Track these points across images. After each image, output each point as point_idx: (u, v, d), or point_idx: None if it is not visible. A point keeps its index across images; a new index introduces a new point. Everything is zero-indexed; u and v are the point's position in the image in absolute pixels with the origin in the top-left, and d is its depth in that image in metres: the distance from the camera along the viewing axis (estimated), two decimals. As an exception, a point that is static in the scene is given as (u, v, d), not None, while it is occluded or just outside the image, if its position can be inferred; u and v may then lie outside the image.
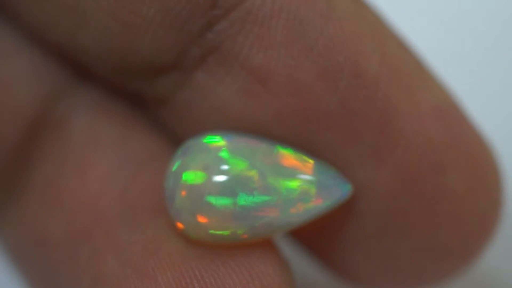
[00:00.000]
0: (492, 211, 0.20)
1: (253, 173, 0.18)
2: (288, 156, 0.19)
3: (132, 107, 0.21)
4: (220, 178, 0.18)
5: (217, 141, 0.18)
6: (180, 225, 0.18)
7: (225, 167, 0.18)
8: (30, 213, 0.21)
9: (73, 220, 0.20)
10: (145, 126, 0.21)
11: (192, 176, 0.18)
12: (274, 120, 0.19)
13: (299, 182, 0.18)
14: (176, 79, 0.19)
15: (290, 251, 0.20)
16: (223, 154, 0.18)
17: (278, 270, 0.18)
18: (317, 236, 0.20)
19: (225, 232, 0.18)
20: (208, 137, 0.18)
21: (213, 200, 0.18)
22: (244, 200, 0.18)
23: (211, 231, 0.18)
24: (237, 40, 0.18)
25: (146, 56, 0.19)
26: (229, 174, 0.18)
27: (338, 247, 0.20)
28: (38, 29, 0.20)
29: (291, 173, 0.18)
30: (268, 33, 0.18)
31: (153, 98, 0.20)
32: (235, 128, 0.19)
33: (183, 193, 0.18)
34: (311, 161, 0.18)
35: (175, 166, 0.18)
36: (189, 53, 0.19)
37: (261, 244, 0.19)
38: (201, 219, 0.18)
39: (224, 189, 0.18)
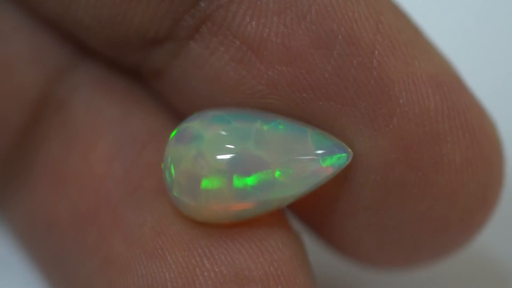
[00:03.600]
0: (492, 183, 0.19)
1: (248, 154, 0.18)
2: (285, 129, 0.18)
3: (132, 84, 0.21)
4: (216, 161, 0.18)
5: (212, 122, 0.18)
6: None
7: (216, 154, 0.18)
8: (37, 195, 0.21)
9: (78, 202, 0.20)
10: (145, 104, 0.21)
11: (185, 165, 0.18)
12: (269, 89, 0.18)
13: (298, 156, 0.18)
14: (170, 50, 0.19)
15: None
16: (215, 138, 0.18)
17: (287, 243, 0.18)
18: (314, 209, 0.20)
19: (227, 212, 0.18)
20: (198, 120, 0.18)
21: (209, 185, 0.18)
22: (240, 181, 0.18)
23: (213, 214, 0.18)
24: (230, 9, 0.18)
25: (139, 26, 0.19)
26: (223, 158, 0.18)
27: (335, 219, 0.20)
28: (32, 1, 0.20)
29: (289, 149, 0.18)
30: (260, 1, 0.18)
31: (148, 71, 0.20)
32: (231, 98, 0.19)
33: (180, 182, 0.18)
34: (309, 130, 0.18)
35: (169, 157, 0.18)
36: (182, 23, 0.19)
37: (269, 218, 0.19)
38: (200, 205, 0.18)
39: (220, 172, 0.18)
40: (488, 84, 0.25)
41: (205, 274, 0.18)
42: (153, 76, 0.20)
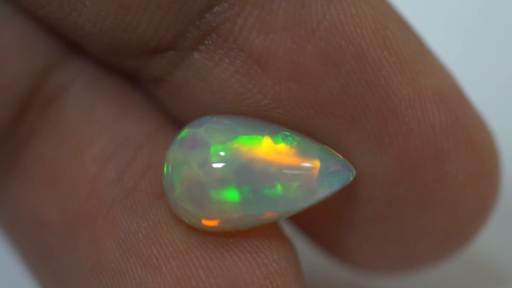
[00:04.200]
0: (490, 196, 0.20)
1: (254, 165, 0.18)
2: (290, 146, 0.18)
3: (127, 84, 0.20)
4: (220, 173, 0.18)
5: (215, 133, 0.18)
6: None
7: (222, 163, 0.18)
8: (26, 192, 0.20)
9: (69, 203, 0.19)
10: (140, 105, 0.20)
11: (190, 172, 0.18)
12: (274, 104, 0.18)
13: (302, 170, 0.18)
14: (172, 59, 0.19)
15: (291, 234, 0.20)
16: (222, 148, 0.18)
17: (282, 254, 0.18)
18: (316, 220, 0.20)
19: (226, 222, 0.18)
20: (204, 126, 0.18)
21: (214, 195, 0.18)
22: (246, 193, 0.18)
23: (212, 223, 0.18)
24: (236, 22, 0.18)
25: (142, 36, 0.18)
26: (228, 168, 0.18)
27: (337, 231, 0.20)
28: (30, 3, 0.19)
29: (294, 163, 0.18)
30: (269, 16, 0.18)
31: (148, 77, 0.19)
32: (234, 109, 0.19)
33: (181, 188, 0.18)
34: (314, 146, 0.18)
35: (171, 162, 0.18)
36: (186, 34, 0.18)
37: (264, 228, 0.18)
38: (199, 213, 0.18)
39: (225, 184, 0.17)
40: (488, 85, 0.25)
41: (201, 285, 0.17)
42: (152, 82, 0.20)
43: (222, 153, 0.18)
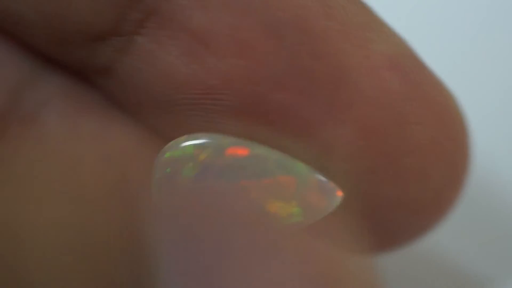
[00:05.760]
0: (461, 161, 0.19)
1: None
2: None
3: (101, 97, 0.20)
4: None
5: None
6: None
7: None
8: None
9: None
10: (120, 116, 0.20)
11: None
12: (221, 84, 0.18)
13: (284, 205, 0.18)
14: (116, 46, 0.19)
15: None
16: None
17: None
18: None
19: None
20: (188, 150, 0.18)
21: None
22: None
23: None
24: (175, 2, 0.18)
25: (83, 21, 0.18)
26: None
27: None
28: None
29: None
30: None
31: (96, 68, 0.19)
32: (184, 95, 0.18)
33: None
34: (293, 178, 0.18)
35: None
36: (126, 17, 0.18)
37: None
38: None
39: None
40: (488, 85, 0.25)
41: None
42: (101, 74, 0.19)
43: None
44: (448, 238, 0.22)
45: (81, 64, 0.19)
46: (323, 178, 0.18)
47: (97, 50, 0.19)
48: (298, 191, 0.18)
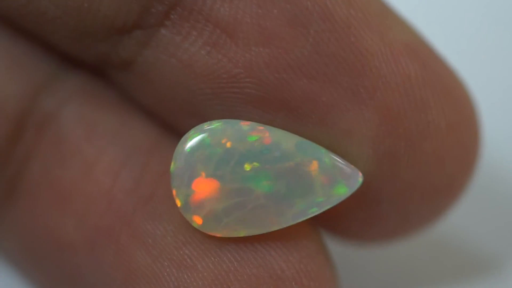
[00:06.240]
0: (473, 143, 0.20)
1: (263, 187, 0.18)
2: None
3: (121, 95, 0.20)
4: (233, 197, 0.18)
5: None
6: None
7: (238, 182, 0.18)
8: (35, 215, 0.19)
9: (86, 219, 0.19)
10: (139, 113, 0.20)
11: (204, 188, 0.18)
12: (245, 72, 0.18)
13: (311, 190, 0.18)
14: (139, 39, 0.18)
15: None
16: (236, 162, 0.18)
17: (312, 239, 0.18)
18: None
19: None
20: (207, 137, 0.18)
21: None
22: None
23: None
24: None
25: (106, 15, 0.18)
26: (243, 189, 0.18)
27: None
28: None
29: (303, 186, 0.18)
30: None
31: (117, 62, 0.19)
32: (205, 84, 0.18)
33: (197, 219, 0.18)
34: (315, 161, 0.18)
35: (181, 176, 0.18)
36: (151, 10, 0.18)
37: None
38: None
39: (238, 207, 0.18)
40: (488, 85, 0.26)
41: (239, 278, 0.17)
42: (121, 68, 0.19)
43: (239, 172, 0.18)
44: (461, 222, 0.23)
45: (101, 59, 0.19)
46: (343, 162, 0.18)
47: (119, 44, 0.19)
48: (318, 174, 0.18)
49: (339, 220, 0.20)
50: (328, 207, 0.18)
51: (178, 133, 0.19)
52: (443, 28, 0.27)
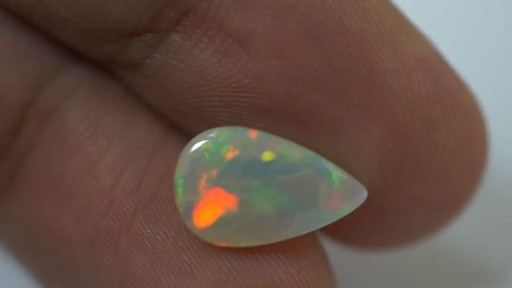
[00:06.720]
0: (480, 161, 0.20)
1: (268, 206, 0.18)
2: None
3: (126, 92, 0.20)
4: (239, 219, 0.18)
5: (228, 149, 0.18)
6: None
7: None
8: (35, 209, 0.19)
9: (86, 217, 0.19)
10: (143, 112, 0.20)
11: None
12: (255, 83, 0.18)
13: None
14: (150, 42, 0.18)
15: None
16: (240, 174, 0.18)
17: (311, 249, 0.18)
18: None
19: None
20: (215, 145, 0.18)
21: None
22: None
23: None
24: (213, 1, 0.18)
25: (118, 19, 0.18)
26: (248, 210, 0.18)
27: None
28: None
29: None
30: None
31: (125, 63, 0.19)
32: (214, 91, 0.18)
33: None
34: (319, 175, 0.18)
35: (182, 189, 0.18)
36: (163, 15, 0.18)
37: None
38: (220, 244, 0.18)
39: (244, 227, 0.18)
40: (488, 84, 0.25)
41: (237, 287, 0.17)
42: (129, 69, 0.19)
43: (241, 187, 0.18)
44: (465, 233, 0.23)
45: (108, 58, 0.19)
46: (349, 177, 0.18)
47: (128, 45, 0.19)
48: (323, 189, 0.18)
49: (342, 228, 0.20)
50: (330, 222, 0.18)
51: (182, 132, 0.19)
52: (451, 34, 0.27)
